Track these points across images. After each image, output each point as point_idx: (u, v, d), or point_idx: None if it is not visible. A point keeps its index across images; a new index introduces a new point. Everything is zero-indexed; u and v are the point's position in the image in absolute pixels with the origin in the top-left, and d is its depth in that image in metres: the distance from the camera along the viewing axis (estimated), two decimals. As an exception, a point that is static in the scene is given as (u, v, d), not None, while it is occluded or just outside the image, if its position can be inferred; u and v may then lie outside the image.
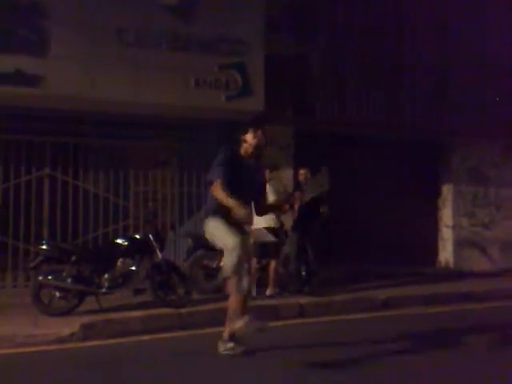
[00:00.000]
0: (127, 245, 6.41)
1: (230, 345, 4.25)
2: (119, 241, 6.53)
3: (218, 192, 4.04)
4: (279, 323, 5.84)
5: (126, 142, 7.40)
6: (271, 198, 6.75)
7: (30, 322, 5.52)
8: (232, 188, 4.02)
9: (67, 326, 5.27)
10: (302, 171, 7.18)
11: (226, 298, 6.56)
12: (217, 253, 7.07)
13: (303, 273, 7.15)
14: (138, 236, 6.50)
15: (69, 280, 6.04)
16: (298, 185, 7.39)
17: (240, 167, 4.24)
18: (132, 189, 7.63)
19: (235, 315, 4.10)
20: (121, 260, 6.34)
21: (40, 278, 6.04)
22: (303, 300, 6.47)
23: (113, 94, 6.57)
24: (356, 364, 4.22)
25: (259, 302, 6.35)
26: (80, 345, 5.00)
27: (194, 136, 7.63)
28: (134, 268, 6.33)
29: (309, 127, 8.09)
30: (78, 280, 6.07)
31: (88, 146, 7.34)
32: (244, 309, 4.12)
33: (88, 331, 5.22)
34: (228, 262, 4.01)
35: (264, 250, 6.82)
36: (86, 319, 5.42)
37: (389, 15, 8.81)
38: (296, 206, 7.16)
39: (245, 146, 4.33)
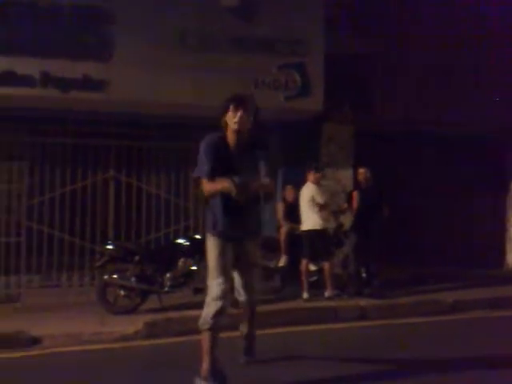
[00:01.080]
0: (188, 245, 6.54)
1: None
2: (180, 241, 6.69)
3: (206, 188, 3.62)
4: (338, 325, 5.78)
5: (187, 143, 7.51)
6: (318, 199, 6.68)
7: (95, 320, 5.73)
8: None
9: (131, 325, 5.43)
10: (361, 170, 7.06)
11: (283, 298, 6.65)
12: (275, 253, 7.12)
13: (363, 274, 7.03)
14: (198, 236, 6.61)
15: (133, 279, 6.22)
16: (357, 184, 7.26)
17: (228, 156, 3.64)
18: (192, 190, 7.75)
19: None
20: (182, 260, 6.48)
21: (105, 277, 6.26)
22: (364, 302, 6.36)
23: (175, 97, 6.70)
24: (419, 369, 4.09)
25: (318, 304, 6.30)
26: (144, 343, 5.13)
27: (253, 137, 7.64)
28: (194, 268, 6.45)
29: (369, 126, 7.94)
30: (141, 279, 6.24)
31: (150, 149, 7.51)
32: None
33: (151, 329, 5.35)
34: (204, 313, 3.59)
35: (317, 252, 6.75)
36: (149, 318, 5.56)
37: (456, 11, 8.47)
38: (355, 206, 7.05)
39: (228, 131, 3.66)
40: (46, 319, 5.79)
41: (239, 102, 3.60)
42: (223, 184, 3.50)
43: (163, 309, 6.13)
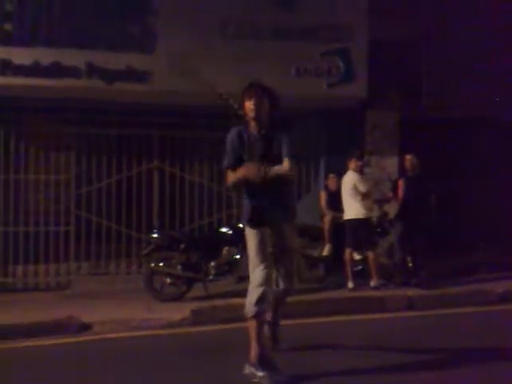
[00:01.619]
0: (232, 234, 6.57)
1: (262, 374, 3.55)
2: (224, 230, 6.72)
3: (229, 178, 3.77)
4: (385, 315, 5.71)
5: (228, 132, 7.54)
6: (361, 188, 6.57)
7: (142, 306, 5.83)
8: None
9: (178, 312, 5.50)
10: (408, 157, 6.90)
11: (327, 287, 6.60)
12: (319, 242, 7.07)
13: (409, 264, 6.89)
14: (241, 225, 6.60)
15: (178, 267, 6.31)
16: (403, 172, 7.11)
17: (250, 144, 3.72)
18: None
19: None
20: (226, 248, 6.53)
21: (152, 265, 6.36)
22: (411, 292, 6.24)
23: (217, 86, 6.70)
24: (466, 359, 4.01)
25: (364, 294, 6.23)
26: (191, 330, 5.20)
27: (295, 125, 7.58)
28: (238, 256, 6.48)
29: (415, 112, 7.75)
30: (186, 267, 6.32)
31: (193, 138, 7.56)
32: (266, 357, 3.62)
33: (198, 317, 5.41)
34: (247, 301, 3.62)
35: (360, 241, 6.66)
36: (195, 305, 5.63)
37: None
38: (401, 195, 6.91)
39: (248, 121, 3.76)
40: (95, 306, 5.94)
41: (251, 90, 3.74)
42: (241, 171, 3.64)
43: (208, 296, 6.19)
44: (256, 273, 3.64)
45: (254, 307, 3.57)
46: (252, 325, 3.60)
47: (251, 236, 3.74)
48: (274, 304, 4.07)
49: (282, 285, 3.95)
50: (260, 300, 3.57)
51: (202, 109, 7.28)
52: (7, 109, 6.92)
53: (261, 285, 3.59)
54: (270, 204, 3.73)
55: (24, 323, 5.14)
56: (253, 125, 3.77)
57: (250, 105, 3.70)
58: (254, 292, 3.60)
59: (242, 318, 5.32)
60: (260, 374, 3.49)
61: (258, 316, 3.58)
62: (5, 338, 4.89)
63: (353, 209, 6.63)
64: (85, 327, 5.19)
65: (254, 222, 3.74)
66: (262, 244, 3.70)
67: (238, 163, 3.71)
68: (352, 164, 6.71)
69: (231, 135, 3.80)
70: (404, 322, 5.52)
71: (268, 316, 4.12)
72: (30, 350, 4.67)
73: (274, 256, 3.84)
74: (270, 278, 3.70)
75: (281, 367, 3.60)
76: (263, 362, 3.55)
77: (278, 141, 3.75)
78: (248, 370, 3.56)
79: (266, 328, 4.05)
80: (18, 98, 6.78)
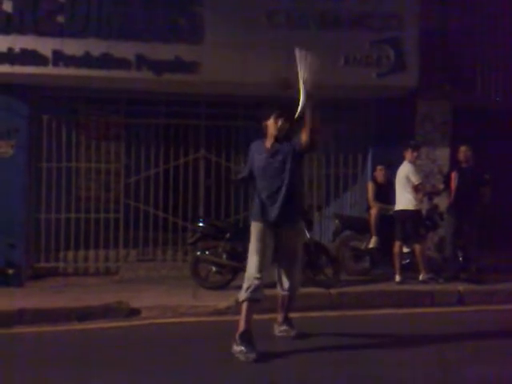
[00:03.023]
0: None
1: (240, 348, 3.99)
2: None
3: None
4: (435, 310, 5.59)
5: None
6: (414, 179, 6.44)
7: (188, 294, 5.92)
8: (261, 179, 4.13)
9: (223, 300, 5.55)
10: (462, 148, 6.68)
11: (374, 280, 6.51)
12: (365, 234, 6.97)
13: (460, 258, 6.71)
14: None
15: (224, 256, 6.35)
16: (456, 164, 6.90)
17: (262, 159, 4.15)
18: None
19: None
20: (271, 239, 6.50)
21: (198, 253, 6.43)
22: (462, 287, 6.07)
23: (265, 76, 6.68)
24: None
25: (413, 287, 6.11)
26: (236, 318, 5.19)
27: (343, 115, 7.49)
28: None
29: (468, 102, 7.50)
30: (232, 256, 6.35)
31: (239, 128, 7.58)
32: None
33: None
34: (243, 286, 4.07)
35: (406, 234, 6.52)
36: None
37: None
38: (453, 187, 6.72)
39: (268, 135, 4.18)
40: (143, 292, 6.06)
41: (281, 111, 4.09)
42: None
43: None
44: (251, 265, 4.06)
45: (245, 293, 4.02)
46: (243, 307, 4.06)
47: (254, 231, 4.16)
48: (281, 305, 4.45)
49: (285, 284, 4.29)
50: (253, 289, 3.99)
51: (249, 98, 7.29)
52: (59, 99, 7.12)
53: (254, 275, 4.00)
54: (279, 207, 4.08)
55: (75, 307, 5.29)
56: (269, 140, 4.17)
57: (276, 125, 4.09)
58: (248, 280, 4.03)
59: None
60: (238, 348, 3.93)
61: (248, 301, 4.02)
62: (56, 321, 5.06)
63: (403, 200, 6.51)
64: (133, 312, 5.31)
65: (259, 218, 4.13)
66: (261, 239, 4.10)
67: (250, 176, 4.28)
68: (408, 154, 6.59)
69: (251, 149, 4.30)
70: (454, 317, 5.39)
71: (280, 317, 4.52)
72: (80, 333, 4.82)
73: (276, 255, 4.20)
74: (263, 270, 4.04)
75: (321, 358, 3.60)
76: (245, 339, 3.95)
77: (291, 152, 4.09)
78: (233, 346, 3.99)
79: (279, 328, 4.50)
80: (70, 89, 6.97)
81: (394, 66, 6.89)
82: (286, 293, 4.34)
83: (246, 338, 3.95)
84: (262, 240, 4.08)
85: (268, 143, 4.16)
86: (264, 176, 4.12)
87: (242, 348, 3.91)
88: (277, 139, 4.12)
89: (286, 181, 4.07)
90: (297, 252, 4.29)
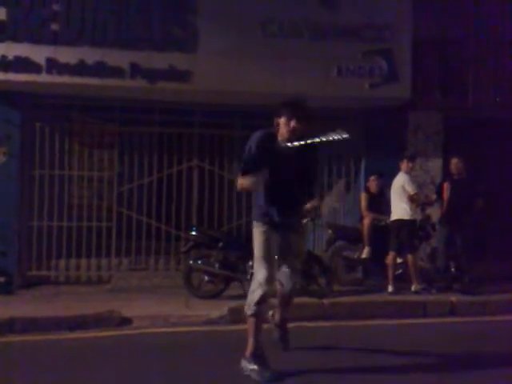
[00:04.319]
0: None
1: (253, 367, 3.72)
2: (262, 229, 6.69)
3: (238, 182, 3.76)
4: (427, 320, 5.59)
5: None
6: (409, 189, 6.48)
7: (180, 303, 5.89)
8: (272, 176, 3.62)
9: (215, 309, 5.52)
10: (454, 160, 6.73)
11: (366, 291, 6.51)
12: (357, 244, 6.98)
13: (452, 269, 6.73)
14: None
15: (216, 265, 6.34)
16: (448, 175, 6.94)
17: (276, 154, 3.70)
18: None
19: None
20: (263, 249, 6.50)
21: (190, 262, 6.42)
22: (454, 298, 6.08)
23: (258, 86, 6.71)
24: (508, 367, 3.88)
25: (405, 298, 6.11)
26: (229, 328, 5.20)
27: (336, 125, 7.50)
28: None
29: (460, 113, 7.55)
30: (224, 266, 6.34)
31: (232, 138, 7.59)
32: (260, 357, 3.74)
33: (235, 315, 5.40)
34: (249, 299, 3.75)
35: (400, 244, 6.54)
36: (233, 304, 5.62)
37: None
38: (445, 198, 6.75)
39: (280, 132, 3.74)
40: (134, 301, 6.03)
41: (294, 111, 3.68)
42: (247, 181, 3.65)
43: (245, 295, 6.14)
44: (259, 274, 3.73)
45: (253, 306, 3.70)
46: (250, 322, 3.76)
47: (258, 236, 3.83)
48: (280, 305, 4.17)
49: (287, 286, 3.98)
50: (261, 301, 3.69)
51: (242, 108, 7.31)
52: (53, 106, 7.10)
53: (263, 286, 3.68)
54: (284, 208, 3.79)
55: (66, 316, 5.25)
56: (283, 137, 3.74)
57: (288, 125, 3.67)
58: (255, 292, 3.71)
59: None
60: (251, 367, 3.68)
61: (256, 315, 3.72)
62: (47, 330, 5.02)
63: (399, 210, 6.54)
64: (125, 321, 5.27)
65: (264, 220, 3.80)
66: (267, 245, 3.78)
67: (253, 169, 3.65)
68: (403, 165, 6.63)
69: (255, 140, 3.73)
70: (446, 328, 5.39)
71: (276, 319, 4.28)
72: (71, 342, 4.77)
73: (279, 257, 3.88)
74: (273, 278, 3.77)
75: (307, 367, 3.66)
76: (257, 358, 3.71)
77: (305, 157, 3.79)
78: (243, 363, 3.74)
79: (275, 332, 4.25)
80: (64, 97, 6.96)
81: (386, 76, 6.94)
82: (286, 292, 4.03)
83: (258, 355, 3.72)
84: (268, 244, 3.77)
85: (281, 141, 3.75)
86: (277, 174, 3.67)
87: (255, 367, 3.67)
88: (289, 139, 3.73)
89: (298, 181, 3.80)
90: (302, 254, 4.09)
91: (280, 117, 3.72)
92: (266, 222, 3.80)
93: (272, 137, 3.76)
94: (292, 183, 3.79)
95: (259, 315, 3.74)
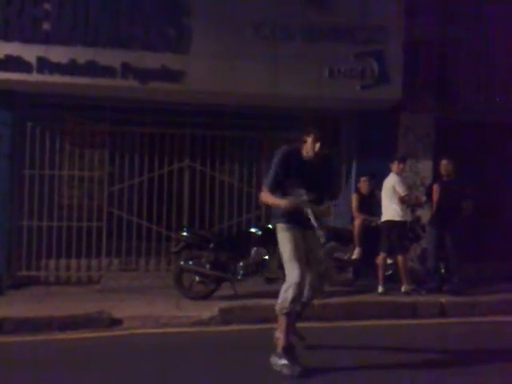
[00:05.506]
0: (260, 234, 6.57)
1: (284, 362, 3.85)
2: (253, 230, 6.72)
3: (264, 198, 4.06)
4: (417, 321, 5.62)
5: (259, 133, 7.56)
6: (400, 190, 6.51)
7: (171, 304, 5.88)
8: (294, 188, 3.95)
9: (206, 310, 5.52)
10: (443, 162, 6.77)
11: (357, 291, 6.54)
12: (349, 245, 7.01)
13: (442, 270, 6.77)
14: (270, 226, 6.59)
15: (207, 266, 6.33)
16: (438, 177, 6.99)
17: (301, 167, 4.02)
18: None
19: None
20: (254, 249, 6.52)
21: (181, 262, 6.40)
22: (443, 298, 6.12)
23: (250, 87, 6.72)
24: (496, 368, 3.94)
25: (395, 299, 6.14)
26: (219, 328, 5.21)
27: (328, 127, 7.53)
28: (266, 257, 6.48)
29: (451, 115, 7.60)
30: (215, 266, 6.34)
31: (224, 138, 7.59)
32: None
33: (226, 316, 5.42)
34: (282, 298, 3.86)
35: (390, 245, 6.57)
36: (223, 304, 5.63)
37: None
38: (435, 200, 6.80)
39: (305, 147, 4.08)
40: (124, 301, 6.01)
41: (320, 136, 4.02)
42: (278, 202, 3.94)
43: (236, 296, 6.19)
44: (292, 273, 3.84)
45: (288, 305, 3.82)
46: (283, 320, 3.90)
47: (285, 239, 3.99)
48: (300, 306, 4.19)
49: (306, 291, 4.06)
50: (295, 299, 3.83)
51: (234, 108, 7.31)
52: (43, 106, 7.05)
53: (297, 284, 3.80)
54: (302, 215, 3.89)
55: (56, 316, 5.22)
56: (305, 152, 4.07)
57: (314, 147, 4.01)
58: (290, 291, 3.82)
59: (269, 319, 5.39)
60: (282, 362, 3.81)
61: (290, 314, 3.87)
62: (37, 330, 4.99)
63: (389, 211, 6.57)
64: (115, 322, 5.25)
65: (288, 219, 3.95)
66: (296, 245, 3.94)
67: (277, 185, 4.01)
68: (394, 166, 6.67)
69: (281, 155, 4.04)
70: (435, 328, 5.42)
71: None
72: (61, 343, 4.76)
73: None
74: (305, 276, 3.89)
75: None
76: (288, 353, 3.85)
77: (325, 169, 4.13)
78: (273, 358, 3.88)
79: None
80: (54, 96, 6.92)
81: (377, 78, 6.97)
82: (304, 300, 4.14)
83: (290, 351, 3.87)
84: (296, 243, 3.94)
85: (305, 156, 4.08)
86: (303, 179, 3.95)
87: (286, 362, 3.79)
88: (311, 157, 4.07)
89: (319, 188, 4.02)
90: (321, 256, 4.26)
91: (309, 135, 4.03)
92: (293, 222, 3.96)
93: (296, 152, 4.08)
94: (315, 191, 3.97)
95: (292, 313, 3.89)
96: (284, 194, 4.00)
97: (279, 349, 3.88)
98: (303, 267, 3.88)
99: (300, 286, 3.82)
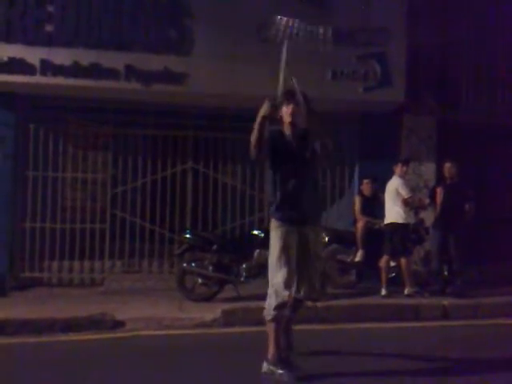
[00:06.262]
0: (263, 236, 6.54)
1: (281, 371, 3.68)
2: (256, 232, 6.72)
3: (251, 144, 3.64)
4: (419, 324, 5.61)
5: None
6: (403, 193, 6.51)
7: (174, 305, 5.88)
8: (286, 171, 3.71)
9: (209, 312, 5.52)
10: (447, 165, 6.75)
11: (360, 294, 6.53)
12: (351, 248, 7.00)
13: (445, 272, 6.76)
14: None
15: (210, 268, 6.34)
16: (442, 179, 6.98)
17: (286, 147, 3.77)
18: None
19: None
20: (257, 251, 6.51)
21: (184, 264, 6.41)
22: (446, 301, 6.10)
23: (253, 89, 6.70)
24: (499, 371, 3.92)
25: (398, 301, 6.13)
26: (222, 330, 5.20)
27: (330, 129, 7.53)
28: (269, 259, 6.46)
29: (454, 117, 7.60)
30: (218, 268, 6.34)
31: (226, 140, 7.59)
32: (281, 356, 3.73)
33: (229, 318, 5.41)
34: (268, 303, 3.68)
35: (393, 248, 6.56)
36: (226, 306, 5.62)
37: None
38: (438, 203, 6.79)
39: (284, 123, 3.83)
40: (128, 303, 6.01)
41: (290, 96, 3.80)
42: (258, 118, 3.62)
43: (239, 298, 6.19)
44: (277, 278, 3.64)
45: (273, 311, 3.65)
46: (270, 327, 3.72)
47: (275, 238, 3.72)
48: (290, 310, 3.96)
49: (302, 291, 3.83)
50: (280, 305, 3.63)
51: (236, 111, 7.31)
52: (47, 108, 7.07)
53: (282, 289, 3.61)
54: (299, 204, 3.71)
55: (59, 318, 5.23)
56: (287, 129, 3.86)
57: (288, 110, 3.80)
58: (274, 296, 3.64)
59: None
60: (279, 371, 3.64)
61: (276, 320, 3.69)
62: (40, 332, 5.00)
63: (393, 213, 6.57)
64: (118, 324, 5.25)
65: (280, 216, 3.72)
66: (285, 247, 3.68)
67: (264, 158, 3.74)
68: (398, 169, 6.66)
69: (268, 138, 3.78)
70: (438, 331, 5.40)
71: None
72: (64, 345, 4.76)
73: (297, 261, 3.75)
74: (291, 282, 3.68)
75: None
76: (282, 361, 3.70)
77: (312, 146, 3.77)
78: (266, 368, 3.70)
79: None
80: (58, 98, 6.94)
81: (380, 80, 6.98)
82: (301, 297, 3.88)
83: (281, 359, 3.70)
84: (286, 243, 3.66)
85: (287, 131, 3.83)
86: (292, 163, 3.71)
87: (283, 371, 3.63)
88: (294, 129, 3.80)
89: (312, 173, 3.83)
90: (319, 255, 3.97)
91: (280, 109, 3.80)
92: (282, 218, 3.72)
93: (279, 132, 3.85)
94: (304, 176, 3.75)
95: (279, 320, 3.70)
96: (274, 183, 3.78)
97: (272, 358, 3.70)
98: (290, 271, 3.64)
99: (284, 293, 3.59)
